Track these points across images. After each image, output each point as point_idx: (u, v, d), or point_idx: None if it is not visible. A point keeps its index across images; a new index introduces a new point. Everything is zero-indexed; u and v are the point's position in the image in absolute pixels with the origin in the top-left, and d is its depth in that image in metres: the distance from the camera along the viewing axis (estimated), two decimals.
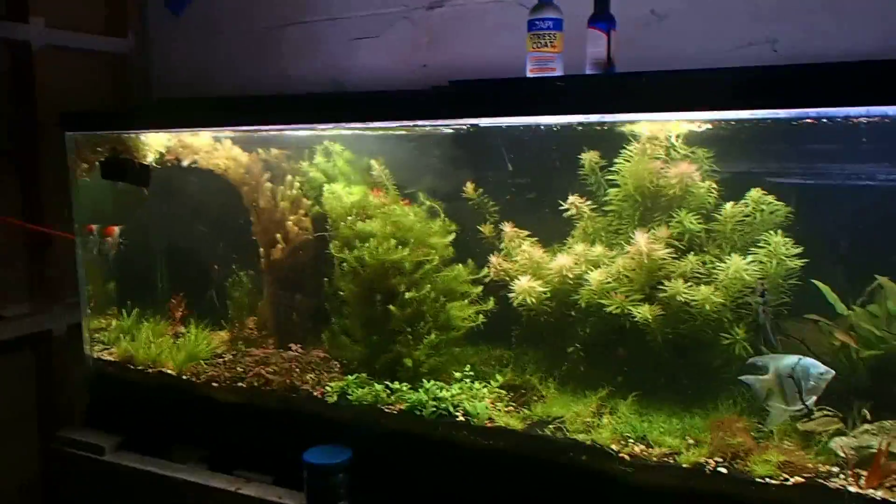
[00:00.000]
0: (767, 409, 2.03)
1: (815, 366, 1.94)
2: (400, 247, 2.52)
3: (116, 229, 3.02)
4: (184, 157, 2.90)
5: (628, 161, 2.37)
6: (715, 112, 2.04)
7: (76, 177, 2.97)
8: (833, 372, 1.93)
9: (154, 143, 2.93)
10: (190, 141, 2.90)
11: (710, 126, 2.20)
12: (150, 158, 2.91)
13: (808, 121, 1.88)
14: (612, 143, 2.39)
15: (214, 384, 2.75)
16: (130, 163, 2.82)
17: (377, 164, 2.70)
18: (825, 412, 2.08)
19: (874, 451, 1.91)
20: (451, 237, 2.61)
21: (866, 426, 2.02)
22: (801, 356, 1.98)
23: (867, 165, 2.11)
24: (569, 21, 2.21)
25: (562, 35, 2.20)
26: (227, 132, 2.87)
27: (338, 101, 2.49)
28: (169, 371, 2.87)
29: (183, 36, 3.50)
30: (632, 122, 2.30)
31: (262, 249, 2.98)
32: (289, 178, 2.90)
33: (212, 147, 2.89)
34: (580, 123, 2.29)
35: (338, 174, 2.75)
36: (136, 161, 2.85)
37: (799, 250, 2.14)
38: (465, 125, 2.42)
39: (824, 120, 1.87)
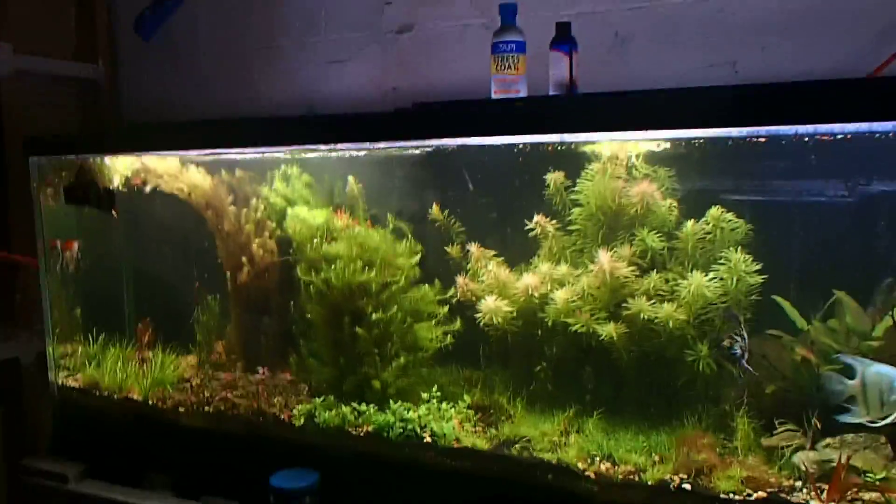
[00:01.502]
0: (841, 409, 1.95)
1: None
2: (366, 268, 2.52)
3: (75, 244, 3.00)
4: (146, 182, 2.88)
5: (590, 181, 2.39)
6: (672, 131, 2.07)
7: (41, 202, 2.94)
8: None
9: (119, 168, 2.92)
10: (152, 165, 2.88)
11: (668, 146, 2.23)
12: (116, 182, 2.90)
13: (761, 139, 1.93)
14: (575, 163, 2.41)
15: (181, 409, 2.72)
16: (95, 187, 2.81)
17: (352, 183, 2.70)
18: (787, 427, 2.10)
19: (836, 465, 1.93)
20: (418, 258, 2.61)
21: (828, 440, 2.03)
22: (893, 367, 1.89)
23: (823, 182, 2.15)
24: (536, 44, 2.24)
25: (524, 58, 2.23)
26: (190, 155, 2.87)
27: (301, 124, 2.50)
28: (135, 397, 2.83)
29: (153, 61, 3.51)
30: (593, 143, 2.34)
31: (227, 273, 2.97)
32: (253, 201, 2.90)
33: (175, 171, 2.88)
34: (542, 144, 2.32)
35: (297, 198, 2.75)
36: (101, 185, 2.84)
37: (757, 267, 2.17)
38: (428, 147, 2.44)
39: (782, 138, 1.91)
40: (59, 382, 3.02)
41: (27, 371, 3.13)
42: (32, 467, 2.87)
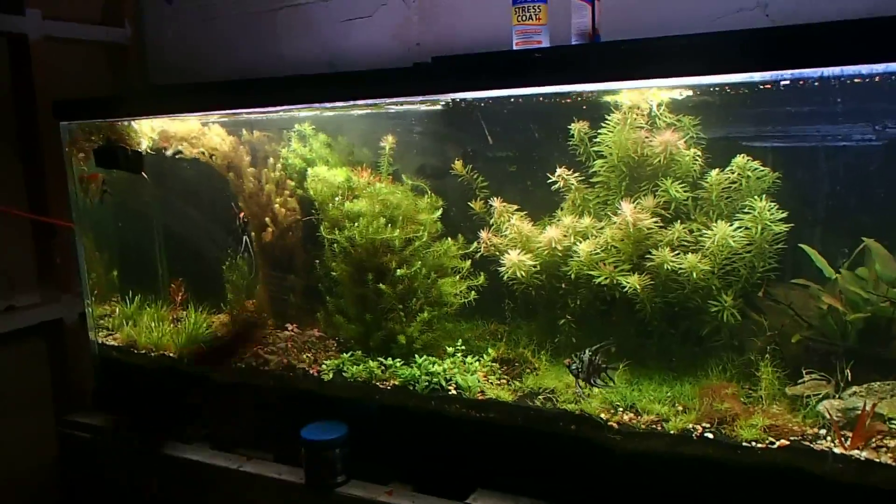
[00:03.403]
0: None
1: None
2: (389, 225, 2.53)
3: (100, 176, 3.06)
4: (168, 145, 2.92)
5: (612, 131, 2.36)
6: (697, 77, 2.02)
7: (73, 165, 3.01)
8: None
9: (145, 130, 2.96)
10: (174, 129, 2.91)
11: (691, 94, 2.18)
12: (144, 145, 2.95)
13: (786, 82, 1.87)
14: (598, 114, 2.38)
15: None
16: (123, 150, 2.86)
17: (389, 141, 2.70)
18: (814, 376, 2.08)
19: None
20: (439, 213, 2.62)
21: (854, 388, 2.01)
22: None
23: (850, 126, 2.09)
24: None
25: (546, 7, 2.18)
26: (213, 116, 2.90)
27: (320, 81, 2.49)
28: (170, 354, 2.92)
29: (178, 22, 3.53)
30: (615, 93, 2.29)
31: (252, 233, 3.01)
32: (270, 160, 2.92)
33: (196, 133, 2.91)
34: (564, 95, 2.28)
35: (315, 158, 2.77)
36: (129, 148, 2.89)
37: (783, 215, 2.13)
38: (449, 101, 2.43)
39: (810, 81, 1.85)
40: (100, 342, 3.13)
41: (70, 331, 3.24)
42: (76, 421, 2.99)
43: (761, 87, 1.91)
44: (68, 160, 3.03)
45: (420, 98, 2.45)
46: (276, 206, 2.91)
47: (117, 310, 3.24)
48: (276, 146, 2.92)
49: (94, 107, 2.93)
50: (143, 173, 2.92)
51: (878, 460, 1.81)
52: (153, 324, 3.06)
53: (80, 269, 3.13)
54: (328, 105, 2.61)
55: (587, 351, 2.20)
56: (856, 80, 1.86)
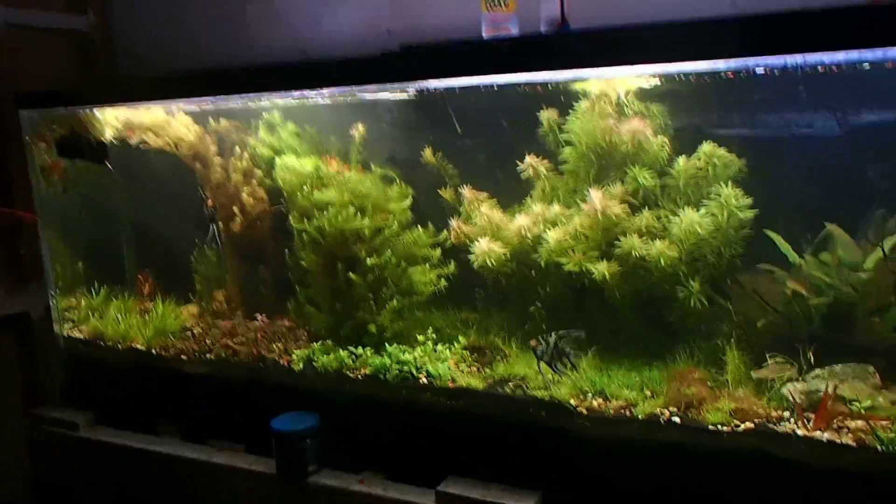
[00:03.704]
0: None
1: None
2: (358, 214, 2.52)
3: (62, 165, 3.00)
4: (133, 135, 2.87)
5: (580, 119, 2.37)
6: (666, 65, 2.03)
7: (35, 155, 2.95)
8: None
9: (109, 120, 2.91)
10: (139, 119, 2.87)
11: (658, 82, 2.20)
12: (108, 135, 2.90)
13: (754, 71, 1.89)
14: (567, 103, 2.38)
15: (184, 357, 2.77)
16: (86, 140, 2.81)
17: (359, 130, 2.69)
18: (777, 359, 2.11)
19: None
20: (409, 202, 2.61)
21: (817, 371, 2.05)
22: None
23: (814, 114, 2.12)
24: None
25: None
26: (178, 105, 2.86)
27: (288, 70, 2.47)
28: (139, 346, 2.88)
29: (147, 11, 3.47)
30: (583, 81, 2.30)
31: (220, 222, 2.98)
32: (237, 150, 2.89)
33: (161, 123, 2.87)
34: (533, 83, 2.28)
35: (283, 147, 2.75)
36: (93, 138, 2.84)
37: (749, 202, 2.15)
38: (417, 89, 2.42)
39: (773, 70, 1.87)
40: (65, 334, 3.08)
41: (37, 324, 3.18)
42: (44, 416, 2.95)
43: (732, 74, 1.92)
44: (30, 150, 2.97)
45: (389, 86, 2.43)
46: (245, 195, 2.88)
47: (83, 302, 3.19)
48: (244, 136, 2.89)
49: (58, 96, 2.88)
50: (107, 163, 2.87)
51: (839, 441, 1.84)
52: (120, 316, 3.02)
53: (45, 261, 3.08)
54: (296, 94, 2.58)
55: (553, 334, 2.21)
56: (818, 70, 1.88)
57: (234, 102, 2.78)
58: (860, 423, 1.87)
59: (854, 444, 1.83)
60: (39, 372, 3.20)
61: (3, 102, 2.99)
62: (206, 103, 2.84)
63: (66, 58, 3.42)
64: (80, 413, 2.90)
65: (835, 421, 1.90)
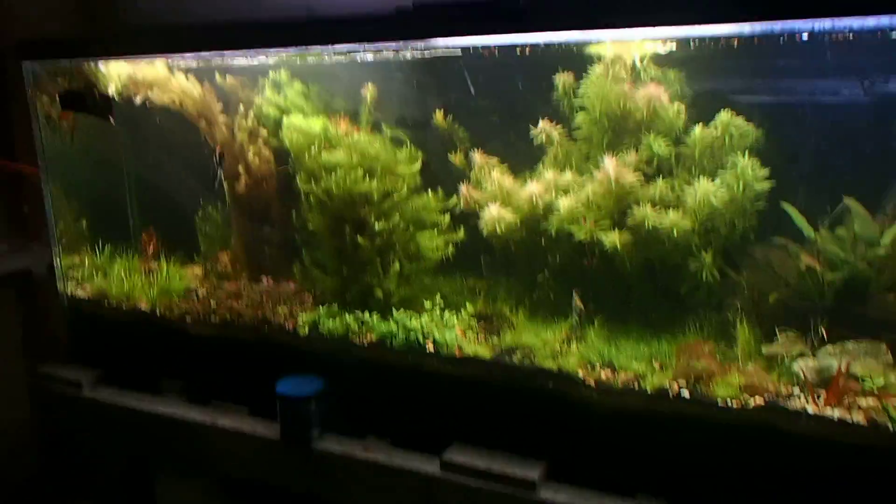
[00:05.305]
0: None
1: None
2: (367, 177, 2.48)
3: (71, 115, 2.95)
4: (137, 90, 2.80)
5: (594, 84, 2.30)
6: (684, 27, 1.96)
7: (38, 108, 2.89)
8: None
9: (114, 74, 2.84)
10: (143, 74, 2.80)
11: (674, 47, 2.13)
12: (112, 90, 2.83)
13: (775, 37, 1.83)
14: (583, 66, 2.32)
15: (188, 318, 2.75)
16: (91, 93, 2.74)
17: (370, 90, 2.63)
18: (789, 335, 2.09)
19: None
20: (418, 165, 2.56)
21: (829, 347, 2.02)
22: None
23: (836, 82, 2.06)
24: None
25: None
26: (184, 61, 2.79)
27: (299, 25, 2.39)
28: (143, 307, 2.86)
29: None
30: (598, 44, 2.23)
31: (225, 183, 2.94)
32: (242, 108, 2.83)
33: (165, 79, 2.80)
34: (549, 45, 2.21)
35: (290, 106, 2.69)
36: (98, 92, 2.77)
37: (765, 173, 2.11)
38: (430, 49, 2.35)
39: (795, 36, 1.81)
40: (69, 293, 3.06)
41: (40, 281, 3.16)
42: (48, 374, 2.94)
43: (751, 39, 1.86)
44: (33, 103, 2.91)
45: (401, 45, 2.36)
46: (250, 155, 2.82)
47: (87, 260, 3.16)
48: (251, 93, 2.83)
49: (61, 47, 2.80)
50: (111, 118, 2.81)
51: (850, 419, 1.82)
52: (124, 275, 2.99)
53: (48, 218, 3.04)
54: (306, 51, 2.51)
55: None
56: (841, 36, 1.82)
57: (243, 58, 2.70)
58: (872, 400, 1.85)
59: (865, 422, 1.81)
60: (44, 330, 3.19)
61: (6, 54, 2.92)
62: (214, 59, 2.77)
63: (69, 8, 3.32)
64: (84, 372, 2.89)
65: (846, 398, 1.88)
